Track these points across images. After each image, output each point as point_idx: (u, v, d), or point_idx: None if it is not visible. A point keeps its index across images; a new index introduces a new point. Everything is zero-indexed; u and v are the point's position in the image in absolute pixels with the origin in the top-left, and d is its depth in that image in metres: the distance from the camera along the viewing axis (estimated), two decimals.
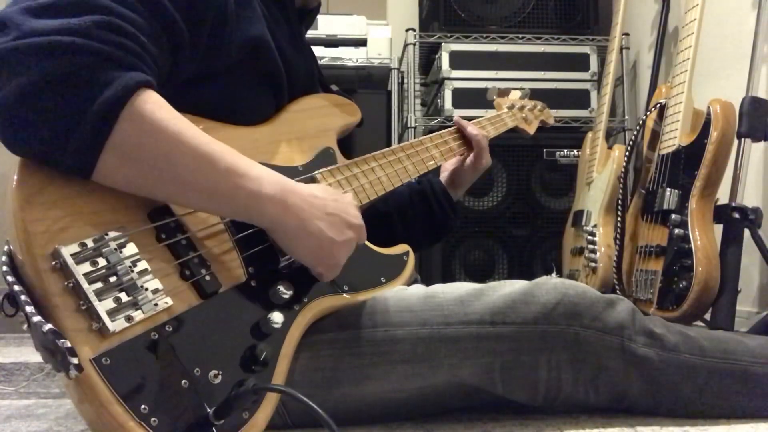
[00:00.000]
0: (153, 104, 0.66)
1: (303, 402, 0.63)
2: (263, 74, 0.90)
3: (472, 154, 1.22)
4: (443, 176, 1.27)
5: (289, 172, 0.87)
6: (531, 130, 1.43)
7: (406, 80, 2.52)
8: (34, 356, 1.65)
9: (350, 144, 1.05)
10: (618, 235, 1.63)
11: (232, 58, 0.83)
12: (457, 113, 2.28)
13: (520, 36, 2.37)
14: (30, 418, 1.04)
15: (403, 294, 0.91)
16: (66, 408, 1.11)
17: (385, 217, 1.20)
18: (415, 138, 1.18)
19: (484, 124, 1.27)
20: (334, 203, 0.79)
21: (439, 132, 1.19)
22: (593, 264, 1.87)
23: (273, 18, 0.94)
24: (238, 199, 0.71)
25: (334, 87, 1.09)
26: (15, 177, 0.63)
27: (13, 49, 0.61)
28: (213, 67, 0.83)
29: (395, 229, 1.21)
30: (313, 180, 0.89)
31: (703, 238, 1.38)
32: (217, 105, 0.84)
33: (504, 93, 1.45)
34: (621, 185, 1.70)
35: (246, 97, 0.88)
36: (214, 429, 0.65)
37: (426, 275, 2.19)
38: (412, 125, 2.40)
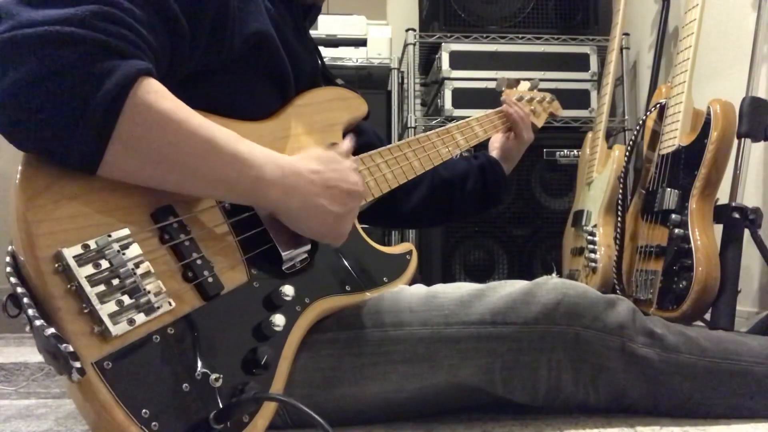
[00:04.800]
0: (155, 93, 0.66)
1: (304, 411, 0.62)
2: (268, 69, 0.90)
3: (512, 131, 1.33)
4: (494, 153, 1.34)
5: None
6: (539, 122, 1.44)
7: (406, 80, 2.52)
8: (34, 356, 1.66)
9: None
10: (618, 235, 1.63)
11: (235, 53, 0.83)
12: (457, 113, 2.29)
13: (520, 36, 2.37)
14: (30, 418, 1.04)
15: (403, 294, 0.91)
16: (66, 408, 1.11)
17: (447, 184, 1.27)
18: None
19: (491, 118, 1.31)
20: (333, 173, 0.81)
21: (446, 127, 1.20)
22: (593, 264, 1.87)
23: (278, 13, 0.94)
24: (243, 185, 0.72)
25: (339, 81, 1.09)
26: (18, 176, 0.63)
27: (9, 40, 0.60)
28: (216, 62, 0.82)
29: (454, 196, 1.29)
30: None
31: (703, 238, 1.38)
32: (221, 100, 0.84)
33: (513, 84, 1.44)
34: (621, 185, 1.69)
35: (250, 92, 0.88)
36: None
37: (426, 275, 2.19)
38: (412, 125, 2.40)
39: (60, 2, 0.63)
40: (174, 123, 0.67)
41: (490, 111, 1.32)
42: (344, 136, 0.99)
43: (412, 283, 0.98)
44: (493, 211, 2.27)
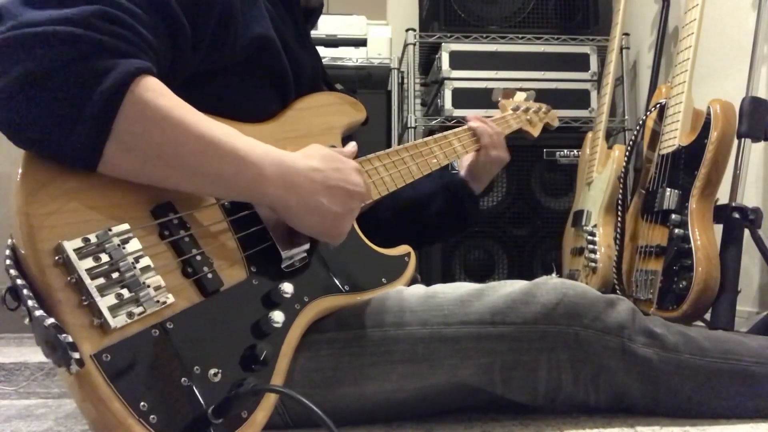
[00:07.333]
0: (154, 91, 0.66)
1: (302, 403, 0.63)
2: (269, 72, 0.90)
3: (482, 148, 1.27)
4: (462, 172, 1.31)
5: None
6: (535, 132, 1.44)
7: (406, 80, 2.52)
8: (34, 356, 1.66)
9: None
10: (618, 235, 1.63)
11: (237, 56, 0.84)
12: (458, 113, 2.29)
13: (520, 36, 2.37)
14: (30, 418, 1.04)
15: (403, 294, 0.91)
16: (66, 408, 1.11)
17: (411, 201, 1.24)
18: (415, 138, 1.20)
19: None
20: (335, 173, 0.80)
21: (444, 133, 1.20)
22: (593, 264, 1.87)
23: (279, 17, 0.95)
24: (241, 182, 0.72)
25: (338, 86, 1.10)
26: (19, 171, 0.63)
27: (9, 39, 0.61)
28: (218, 65, 0.83)
29: (421, 214, 1.25)
30: None
31: (703, 238, 1.38)
32: (222, 102, 0.84)
33: (509, 94, 1.45)
34: (621, 185, 1.70)
35: (251, 94, 0.88)
36: (212, 428, 0.65)
37: (426, 275, 2.19)
38: (412, 125, 2.40)
39: (60, 3, 0.64)
40: (172, 120, 0.67)
41: (449, 132, 1.25)
42: (343, 140, 0.99)
43: (411, 283, 0.98)
44: (493, 211, 2.27)
